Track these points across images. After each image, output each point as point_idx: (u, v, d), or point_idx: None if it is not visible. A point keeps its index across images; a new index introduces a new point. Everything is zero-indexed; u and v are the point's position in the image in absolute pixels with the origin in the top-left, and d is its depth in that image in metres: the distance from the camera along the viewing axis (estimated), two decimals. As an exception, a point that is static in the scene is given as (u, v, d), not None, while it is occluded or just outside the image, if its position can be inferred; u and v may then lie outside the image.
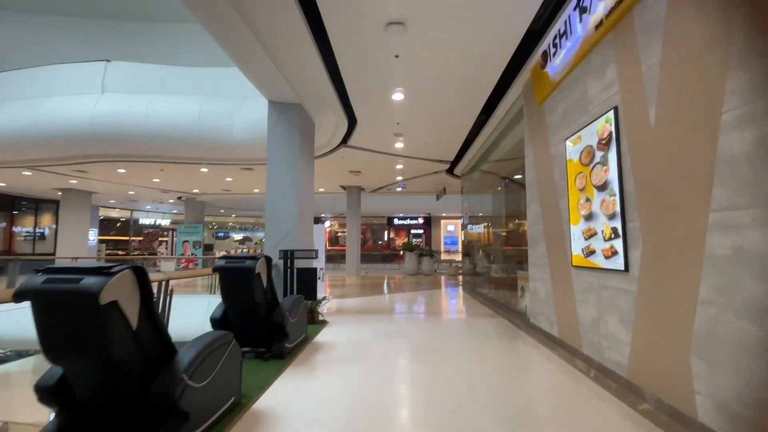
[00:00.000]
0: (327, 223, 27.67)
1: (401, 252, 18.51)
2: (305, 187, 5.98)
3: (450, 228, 25.53)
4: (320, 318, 5.29)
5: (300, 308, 4.05)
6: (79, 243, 15.21)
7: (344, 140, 7.86)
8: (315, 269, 5.14)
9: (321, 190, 14.59)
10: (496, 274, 6.92)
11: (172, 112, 8.27)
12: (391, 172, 11.21)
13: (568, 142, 3.71)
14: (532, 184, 4.80)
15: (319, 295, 7.65)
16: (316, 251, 5.21)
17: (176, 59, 9.16)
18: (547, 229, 4.32)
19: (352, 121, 6.79)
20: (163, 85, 8.71)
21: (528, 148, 4.95)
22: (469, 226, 11.61)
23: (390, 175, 11.81)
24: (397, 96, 5.61)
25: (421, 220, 25.49)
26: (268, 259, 3.55)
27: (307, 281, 5.13)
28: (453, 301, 7.99)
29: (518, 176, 8.23)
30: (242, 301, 3.43)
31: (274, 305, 3.69)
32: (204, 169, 10.59)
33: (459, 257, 23.23)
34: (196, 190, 14.68)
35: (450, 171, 11.11)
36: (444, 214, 24.63)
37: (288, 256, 5.12)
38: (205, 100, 8.41)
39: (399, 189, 14.01)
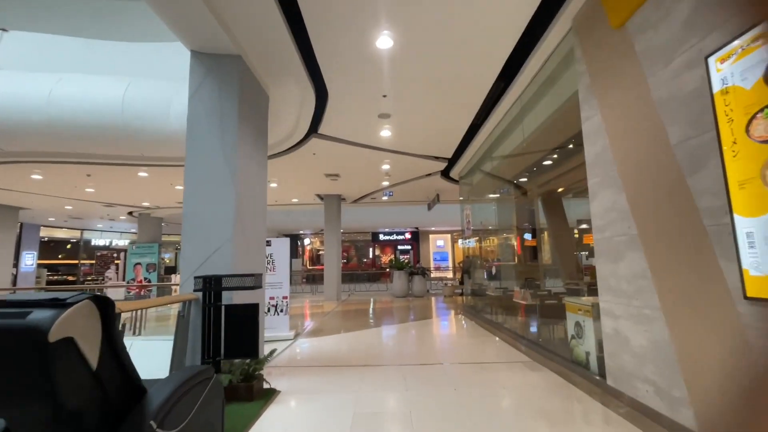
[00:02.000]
0: (307, 241, 25.53)
1: (387, 269, 16.56)
2: (250, 182, 4.06)
3: (440, 243, 23.80)
4: (266, 385, 3.28)
5: (201, 397, 2.06)
6: (4, 269, 12.73)
7: (314, 126, 6.01)
8: (255, 307, 3.17)
9: (295, 200, 12.63)
10: (525, 300, 5.07)
11: (86, 94, 6.27)
12: (376, 175, 9.38)
13: (714, 62, 1.94)
14: (600, 160, 3.02)
15: (280, 334, 5.64)
16: (259, 276, 3.26)
17: (96, 32, 7.24)
18: (650, 230, 2.51)
19: (322, 94, 4.95)
20: (77, 62, 6.77)
21: (589, 106, 3.19)
22: (465, 240, 9.82)
23: (374, 180, 9.98)
24: (384, 42, 3.80)
25: (408, 235, 23.68)
26: (102, 303, 1.58)
27: (244, 327, 3.15)
28: (463, 337, 6.07)
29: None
30: (23, 411, 1.44)
31: (125, 405, 1.70)
32: (143, 174, 8.53)
33: (450, 274, 21.43)
34: (146, 203, 12.48)
35: (446, 173, 9.37)
36: (433, 228, 22.89)
37: (210, 286, 3.14)
38: (133, 81, 6.47)
39: (385, 198, 12.18)
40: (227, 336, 3.17)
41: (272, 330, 5.71)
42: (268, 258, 5.88)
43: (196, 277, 3.16)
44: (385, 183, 10.22)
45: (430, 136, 6.63)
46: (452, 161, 8.19)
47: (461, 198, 9.84)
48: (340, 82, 4.66)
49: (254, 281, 3.22)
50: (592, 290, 7.62)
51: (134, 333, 6.03)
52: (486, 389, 3.33)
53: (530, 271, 8.98)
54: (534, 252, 9.28)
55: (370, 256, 24.68)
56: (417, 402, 3.04)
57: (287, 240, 6.02)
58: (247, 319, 3.19)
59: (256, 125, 4.30)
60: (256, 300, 3.80)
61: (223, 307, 3.21)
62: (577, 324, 3.66)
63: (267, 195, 4.66)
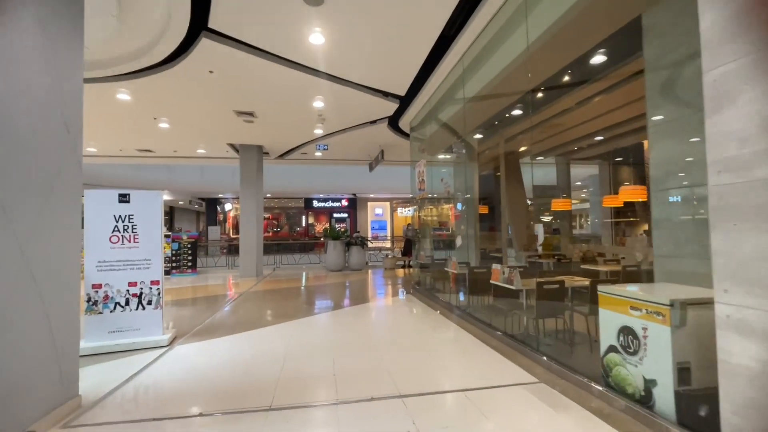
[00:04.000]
0: (229, 206, 22.45)
1: (321, 239, 14.71)
2: (5, 56, 1.89)
3: (378, 211, 22.33)
4: None
5: None
6: None
7: (201, 15, 3.76)
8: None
9: (201, 152, 9.99)
10: (511, 284, 3.60)
11: None
12: (306, 118, 7.27)
13: None
14: (748, 25, 1.45)
15: (146, 339, 3.50)
16: None
17: None
18: None
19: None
20: None
21: None
22: (418, 201, 8.32)
23: (304, 126, 7.86)
24: None
25: (345, 203, 21.83)
26: None
27: None
28: (422, 333, 4.56)
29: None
30: None
31: None
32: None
33: (388, 245, 20.19)
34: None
35: (394, 123, 7.61)
36: (372, 195, 21.27)
37: None
38: None
39: (318, 153, 10.11)
40: None
41: (133, 334, 3.65)
42: (125, 223, 3.70)
43: None
44: (319, 131, 8.15)
45: (381, 54, 4.72)
46: (405, 102, 6.41)
47: (411, 158, 8.21)
48: None
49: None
50: (563, 265, 6.58)
51: None
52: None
53: (491, 242, 7.83)
54: (497, 220, 8.11)
55: (303, 224, 22.49)
56: None
57: (159, 195, 3.85)
58: None
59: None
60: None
61: None
62: (627, 331, 2.23)
63: (83, 99, 2.47)
